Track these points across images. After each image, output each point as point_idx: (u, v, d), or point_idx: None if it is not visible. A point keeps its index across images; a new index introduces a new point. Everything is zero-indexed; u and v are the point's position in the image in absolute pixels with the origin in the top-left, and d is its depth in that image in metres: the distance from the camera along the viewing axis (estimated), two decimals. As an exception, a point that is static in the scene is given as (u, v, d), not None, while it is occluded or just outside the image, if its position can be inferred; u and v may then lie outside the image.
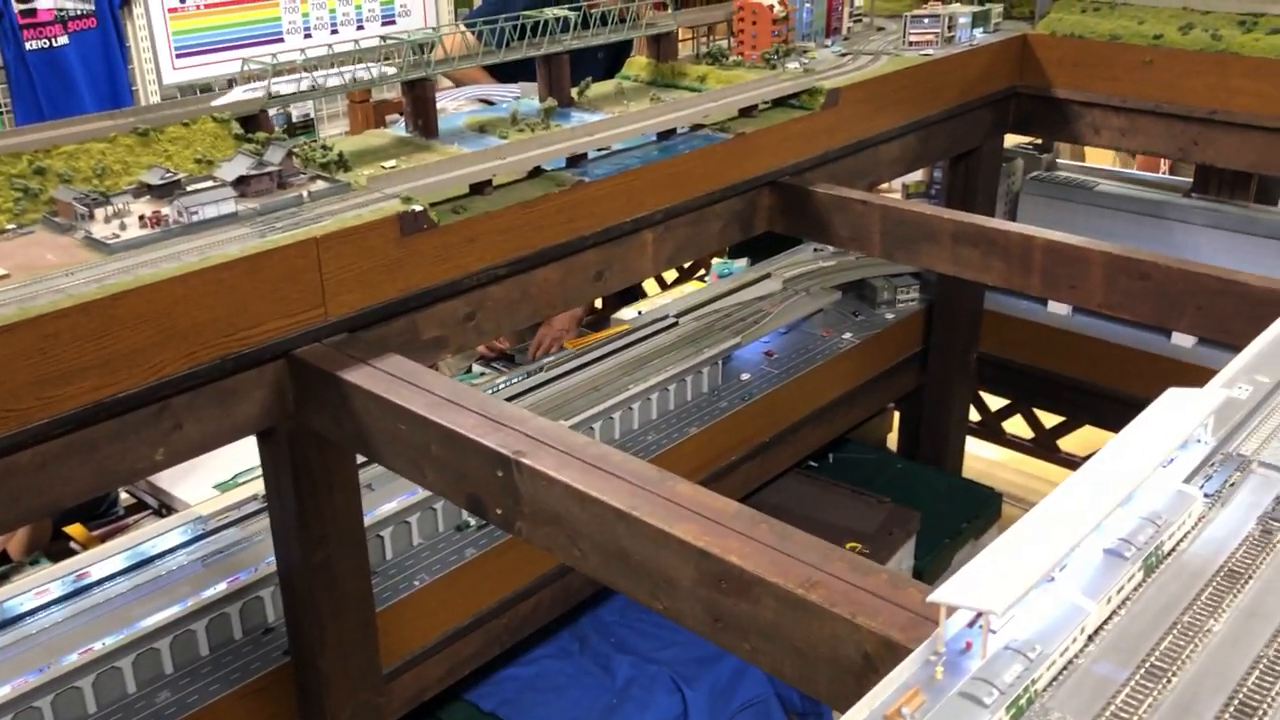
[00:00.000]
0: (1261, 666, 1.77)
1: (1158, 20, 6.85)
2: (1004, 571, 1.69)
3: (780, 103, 5.99)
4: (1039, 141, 8.66)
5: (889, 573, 2.87)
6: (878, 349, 7.68)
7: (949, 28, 6.86)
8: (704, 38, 7.26)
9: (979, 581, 1.69)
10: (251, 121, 4.57)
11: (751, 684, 5.78)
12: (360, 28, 10.18)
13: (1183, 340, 7.24)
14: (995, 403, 9.34)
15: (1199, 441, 2.29)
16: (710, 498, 3.20)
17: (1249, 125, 6.56)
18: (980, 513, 7.71)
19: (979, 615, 1.67)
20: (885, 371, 7.86)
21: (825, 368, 7.25)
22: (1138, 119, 6.93)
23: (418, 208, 4.18)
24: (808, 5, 6.94)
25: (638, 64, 6.50)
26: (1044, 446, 9.02)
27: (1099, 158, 12.51)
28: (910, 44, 6.83)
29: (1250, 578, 1.97)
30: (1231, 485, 2.23)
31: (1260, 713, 1.67)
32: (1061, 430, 8.92)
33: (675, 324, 7.25)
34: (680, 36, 6.91)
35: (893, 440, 9.20)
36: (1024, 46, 7.21)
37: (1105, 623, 1.84)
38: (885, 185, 9.21)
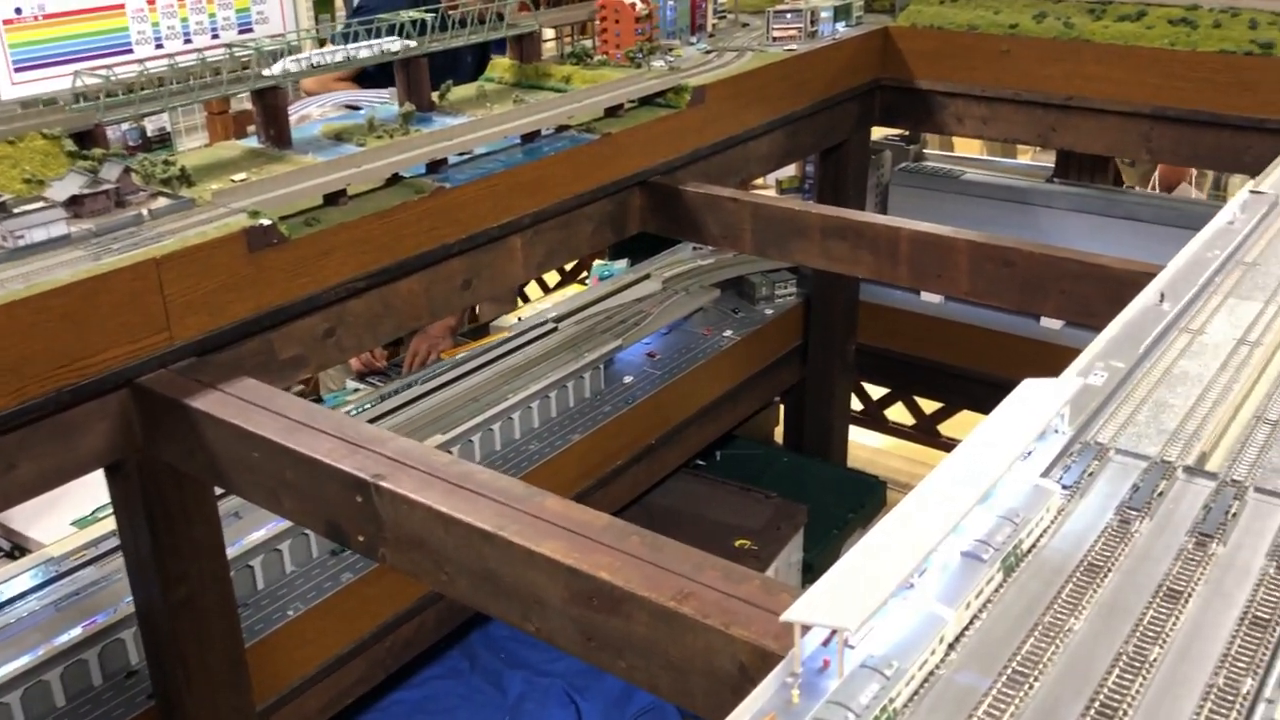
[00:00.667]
0: (1121, 664, 1.74)
1: (1013, 10, 6.98)
2: (858, 585, 1.63)
3: (647, 102, 5.93)
4: (906, 133, 8.78)
5: (762, 579, 2.81)
6: (759, 345, 7.68)
7: (812, 22, 6.89)
8: (569, 37, 7.16)
9: (833, 597, 1.62)
10: (87, 138, 4.31)
11: (646, 691, 5.70)
12: (215, 36, 9.80)
13: (1051, 323, 7.41)
14: (877, 392, 9.45)
15: (1056, 432, 2.27)
16: (580, 512, 3.10)
17: (1103, 110, 6.73)
18: (865, 502, 7.78)
19: (834, 632, 1.60)
20: (767, 367, 7.87)
21: (708, 366, 7.22)
22: (998, 107, 7.06)
23: (266, 222, 3.99)
24: (671, 3, 6.89)
25: (501, 65, 6.37)
26: (925, 432, 9.16)
27: (969, 147, 12.76)
28: (774, 39, 6.83)
29: (1109, 570, 1.95)
30: (1090, 475, 2.21)
31: (1120, 713, 1.63)
32: (941, 415, 9.07)
33: (555, 329, 7.14)
34: (546, 36, 6.79)
35: (780, 434, 9.23)
36: (886, 39, 7.28)
37: (965, 629, 1.79)
38: (760, 180, 9.24)
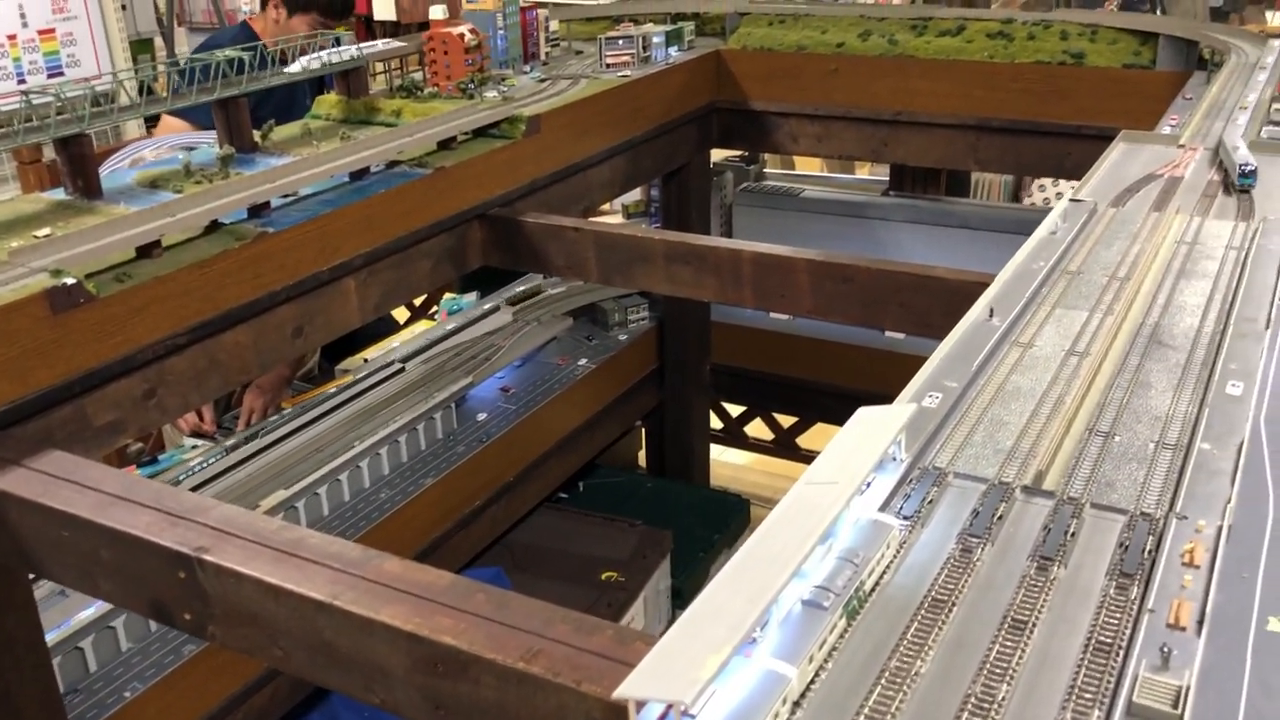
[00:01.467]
0: (970, 707, 1.68)
1: (839, 29, 7.10)
2: (693, 650, 1.53)
3: (481, 133, 5.80)
4: (746, 153, 8.86)
5: (615, 629, 2.69)
6: (615, 371, 7.60)
7: (644, 48, 6.87)
8: (398, 70, 6.98)
9: (669, 666, 1.53)
10: None
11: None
12: (22, 81, 9.25)
13: (897, 333, 7.53)
14: (736, 409, 9.48)
15: (894, 459, 2.23)
16: (421, 572, 2.93)
17: (931, 124, 6.89)
18: (730, 522, 7.77)
19: (670, 705, 1.50)
20: (625, 392, 7.79)
21: (564, 397, 7.10)
22: (831, 125, 7.16)
23: (70, 280, 3.71)
24: (501, 32, 6.78)
25: (328, 102, 6.16)
26: (784, 446, 9.22)
27: (810, 165, 12.97)
28: (608, 66, 6.79)
29: (954, 604, 1.90)
30: (930, 503, 2.18)
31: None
32: (799, 428, 9.15)
33: (403, 369, 6.91)
34: (374, 70, 6.59)
35: (644, 458, 9.17)
36: (719, 62, 7.32)
37: (811, 684, 1.72)
38: (607, 207, 9.20)
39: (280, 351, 4.68)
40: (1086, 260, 3.35)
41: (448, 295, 9.12)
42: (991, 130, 6.81)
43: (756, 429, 9.53)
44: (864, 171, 12.16)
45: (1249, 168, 3.42)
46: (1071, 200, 3.72)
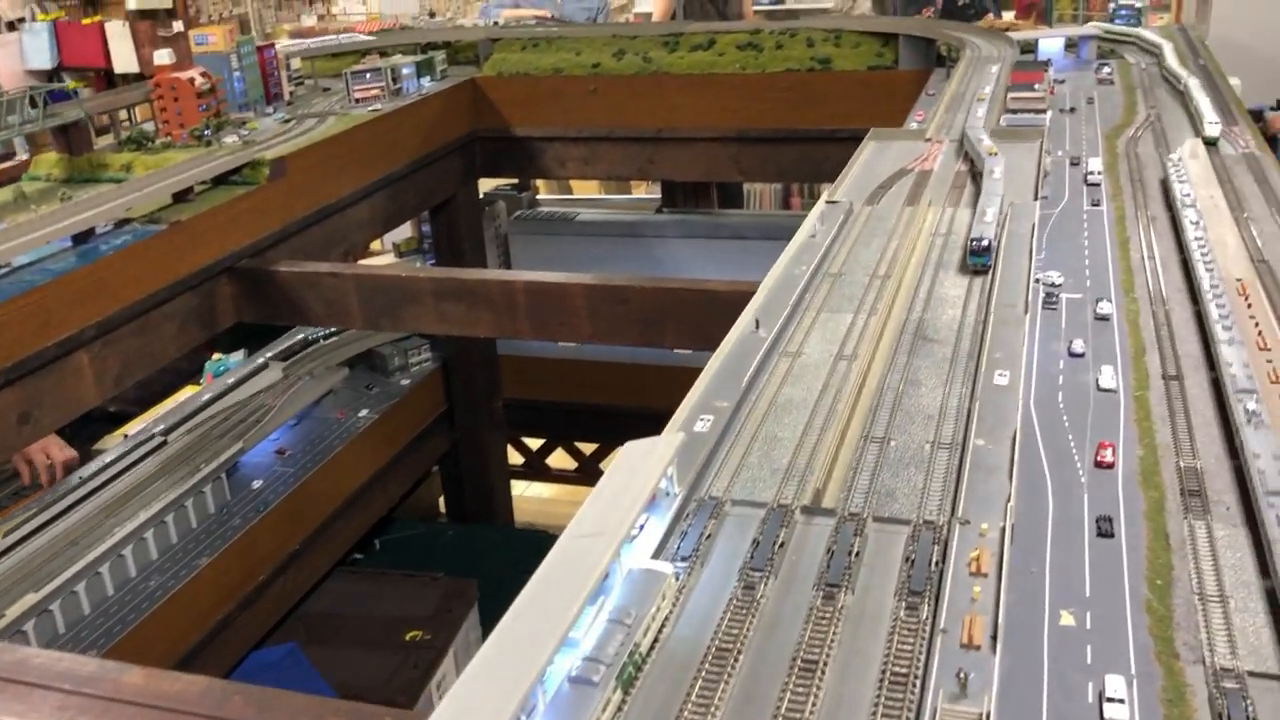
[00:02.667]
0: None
1: (593, 50, 7.01)
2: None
3: (221, 181, 5.39)
4: (517, 181, 8.67)
5: (393, 715, 2.41)
6: (401, 418, 7.25)
7: (394, 80, 6.59)
8: (126, 121, 6.46)
9: None
10: None
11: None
12: None
13: (684, 350, 7.48)
14: (535, 442, 9.25)
15: (668, 494, 2.06)
16: (169, 681, 2.57)
17: (693, 138, 6.88)
18: (539, 560, 7.51)
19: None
20: (414, 439, 7.45)
21: (347, 452, 6.70)
22: (596, 146, 7.06)
23: None
24: (238, 74, 6.36)
25: (47, 161, 5.61)
26: (588, 474, 9.05)
27: (588, 188, 12.87)
28: (357, 101, 6.47)
29: (740, 652, 1.73)
30: (708, 538, 2.01)
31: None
32: (601, 454, 9.00)
33: (165, 442, 6.36)
34: (100, 123, 6.07)
35: (445, 504, 8.82)
36: (475, 90, 7.11)
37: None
38: (377, 246, 8.82)
39: (6, 441, 4.18)
40: (847, 261, 3.30)
41: (216, 356, 8.53)
42: (751, 141, 6.85)
43: (559, 459, 9.32)
44: (640, 190, 12.17)
45: (982, 244, 2.94)
46: (827, 202, 3.69)
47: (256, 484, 6.25)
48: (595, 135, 6.82)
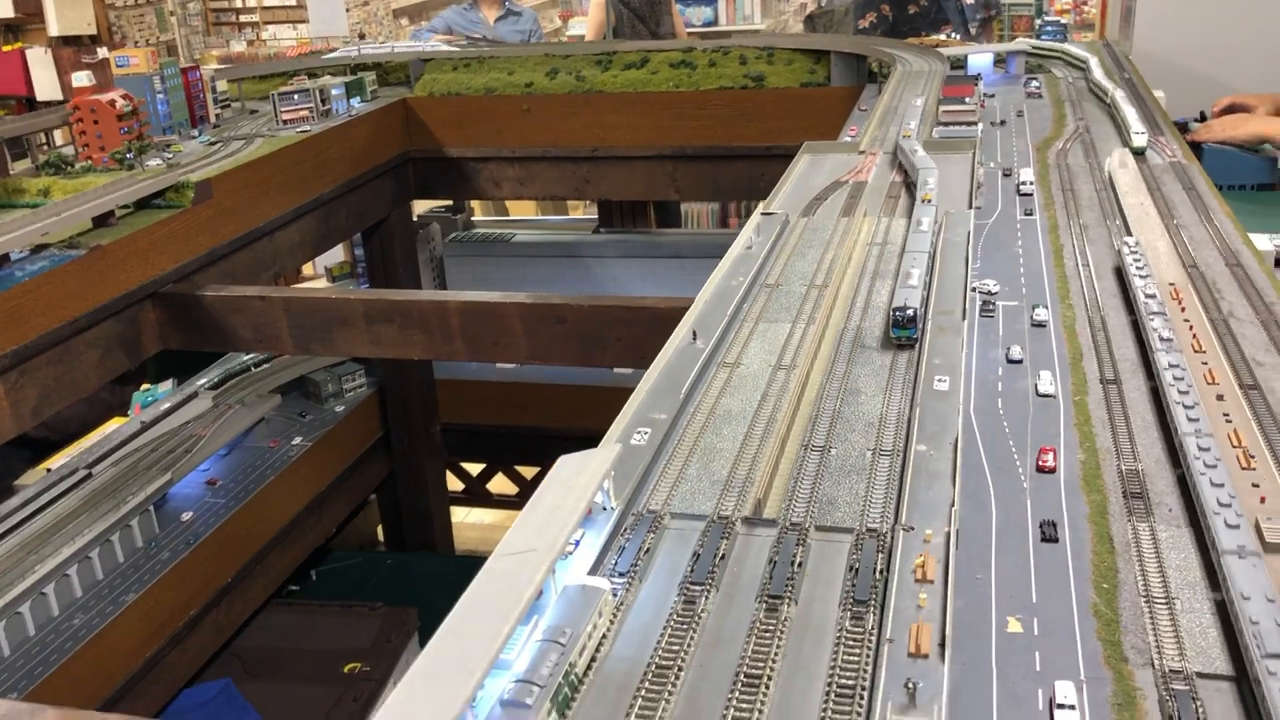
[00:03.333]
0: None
1: (525, 69, 6.95)
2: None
3: (144, 204, 5.24)
4: (451, 203, 8.58)
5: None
6: (335, 445, 7.09)
7: (323, 101, 6.48)
8: (44, 145, 6.27)
9: None
10: None
11: None
12: None
13: (624, 369, 7.41)
14: (476, 467, 9.11)
15: (605, 509, 1.98)
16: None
17: (629, 157, 6.84)
18: (479, 587, 7.39)
19: None
20: (350, 467, 7.29)
21: (281, 481, 6.53)
22: (531, 166, 6.99)
23: None
24: (161, 96, 6.21)
25: (-42, 187, 5.41)
26: (529, 498, 8.91)
27: (526, 209, 12.79)
28: (285, 122, 6.35)
29: (680, 669, 1.66)
30: (647, 552, 1.94)
31: None
32: (542, 477, 8.86)
33: (89, 475, 6.15)
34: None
35: (383, 532, 8.65)
36: (407, 111, 7.02)
37: (520, 801, 1.42)
38: (309, 270, 8.66)
39: (-85, 478, 3.98)
40: (784, 272, 3.26)
41: (144, 386, 8.30)
42: (687, 158, 6.83)
43: (500, 484, 9.19)
44: (578, 212, 12.12)
45: (906, 315, 2.77)
46: (763, 214, 3.65)
47: (186, 516, 6.08)
48: (530, 155, 6.76)
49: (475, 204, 8.95)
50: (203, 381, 7.36)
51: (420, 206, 7.94)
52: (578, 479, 1.94)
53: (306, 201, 6.05)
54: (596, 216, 8.64)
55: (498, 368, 7.45)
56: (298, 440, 6.89)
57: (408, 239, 7.07)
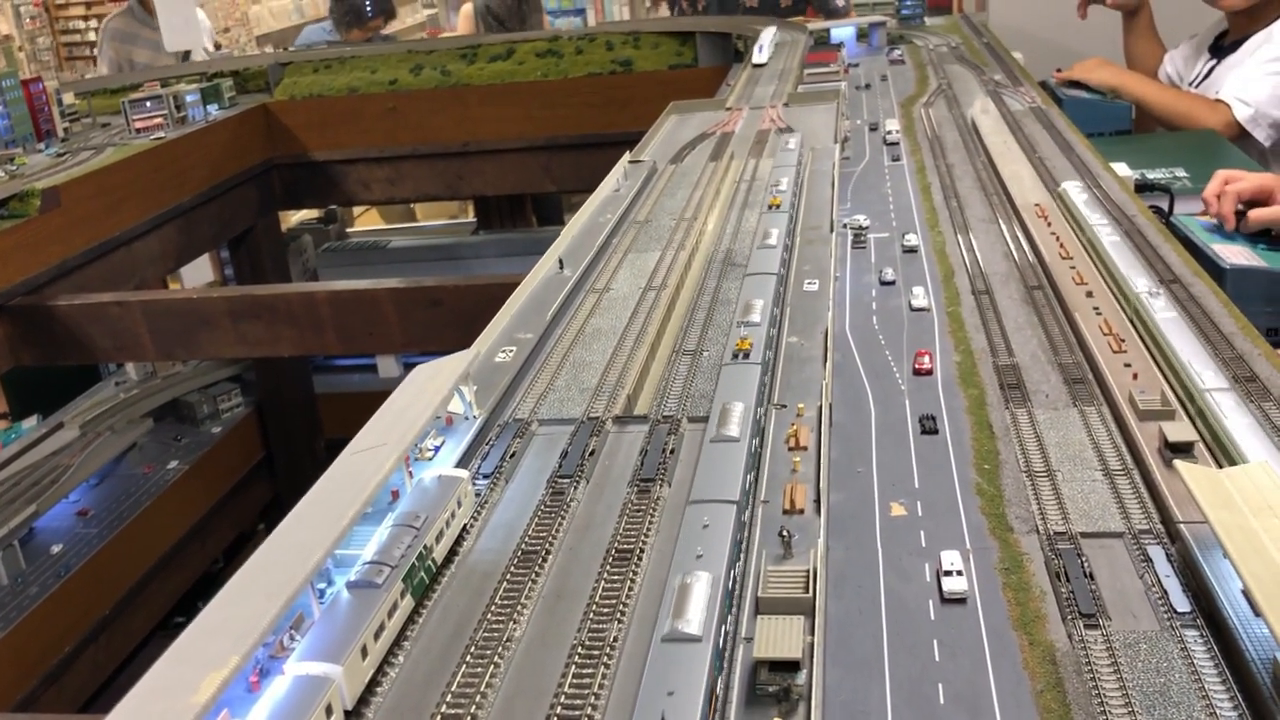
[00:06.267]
0: (577, 659, 1.33)
1: (389, 67, 6.81)
2: (188, 676, 1.08)
3: (-15, 217, 4.94)
4: (321, 214, 8.35)
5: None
6: (214, 469, 6.79)
7: (177, 108, 6.23)
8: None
9: (154, 704, 1.06)
10: None
11: None
12: None
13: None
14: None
15: (467, 419, 1.87)
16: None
17: (500, 150, 6.74)
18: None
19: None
20: (232, 490, 6.99)
21: (157, 507, 6.22)
22: (400, 166, 6.84)
23: None
24: (1, 109, 5.91)
25: None
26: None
27: (404, 217, 12.45)
28: (138, 130, 6.09)
29: (547, 553, 1.55)
30: (513, 456, 1.82)
31: (585, 714, 1.22)
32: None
33: (-54, 515, 5.75)
34: None
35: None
36: (268, 115, 6.81)
37: (376, 680, 1.30)
38: (177, 288, 8.34)
39: None
40: (653, 210, 3.20)
41: (3, 425, 7.87)
42: (560, 148, 6.75)
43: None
44: (462, 215, 11.91)
45: None
46: (631, 160, 3.59)
47: (56, 548, 5.74)
48: (399, 154, 6.61)
49: (357, 216, 8.75)
50: (71, 416, 6.99)
51: (294, 222, 7.71)
52: (431, 383, 1.82)
53: (165, 210, 5.81)
54: (470, 220, 8.50)
55: (380, 376, 7.25)
56: (174, 464, 6.59)
57: (278, 251, 6.84)
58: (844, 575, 1.73)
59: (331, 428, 7.66)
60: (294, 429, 7.36)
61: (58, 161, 5.59)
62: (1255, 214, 3.48)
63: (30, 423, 7.27)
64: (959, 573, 1.75)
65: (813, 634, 1.34)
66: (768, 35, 4.32)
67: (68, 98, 6.52)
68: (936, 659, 1.58)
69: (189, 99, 6.28)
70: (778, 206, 2.73)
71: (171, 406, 7.09)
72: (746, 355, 1.96)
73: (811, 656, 1.31)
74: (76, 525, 6.04)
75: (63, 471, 6.23)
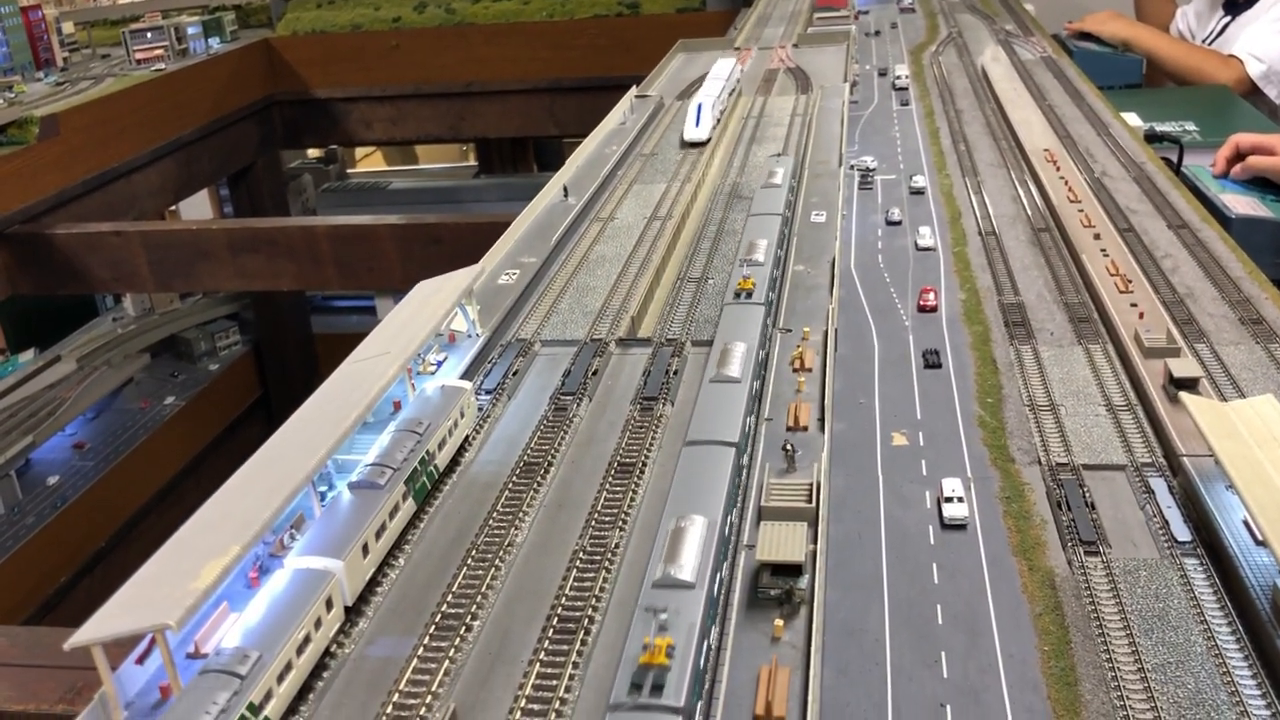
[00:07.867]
0: (579, 565, 1.33)
1: (393, 4, 6.72)
2: (187, 566, 1.07)
3: (-17, 143, 4.88)
4: (322, 153, 8.27)
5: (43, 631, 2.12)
6: (211, 405, 6.80)
7: (179, 40, 6.15)
8: None
9: (151, 593, 1.05)
10: None
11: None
12: None
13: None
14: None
15: (470, 336, 1.85)
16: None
17: (504, 91, 6.67)
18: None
19: (152, 643, 1.02)
20: (229, 427, 7.00)
21: (153, 442, 6.24)
22: (403, 105, 6.77)
23: None
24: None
25: None
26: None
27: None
28: (138, 62, 6.03)
29: (549, 465, 1.54)
30: (515, 374, 1.81)
31: (583, 624, 1.21)
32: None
33: (-58, 444, 5.77)
34: None
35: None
36: (270, 51, 6.73)
37: (376, 579, 1.29)
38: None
39: None
40: (659, 144, 3.17)
41: (2, 358, 7.89)
42: (565, 91, 6.70)
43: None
44: (473, 156, 11.82)
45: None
46: (637, 96, 3.54)
47: (52, 479, 5.76)
48: (401, 94, 6.55)
49: (359, 157, 8.67)
50: (69, 350, 6.99)
51: (295, 163, 7.64)
52: (435, 296, 1.80)
53: (165, 143, 5.77)
54: (470, 164, 8.43)
55: (377, 317, 7.23)
56: (170, 400, 6.60)
57: (276, 186, 6.78)
58: (844, 501, 1.73)
59: (329, 368, 7.62)
60: (291, 369, 7.35)
61: (56, 90, 5.54)
62: (1252, 160, 3.47)
63: (27, 355, 7.30)
64: (960, 499, 1.75)
65: (815, 543, 1.34)
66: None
67: (67, 27, 6.44)
68: (936, 582, 1.58)
69: (190, 31, 6.21)
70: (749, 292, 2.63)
71: (169, 343, 7.09)
72: (749, 295, 1.95)
73: (813, 564, 1.31)
74: (73, 458, 6.07)
75: (59, 404, 6.25)
